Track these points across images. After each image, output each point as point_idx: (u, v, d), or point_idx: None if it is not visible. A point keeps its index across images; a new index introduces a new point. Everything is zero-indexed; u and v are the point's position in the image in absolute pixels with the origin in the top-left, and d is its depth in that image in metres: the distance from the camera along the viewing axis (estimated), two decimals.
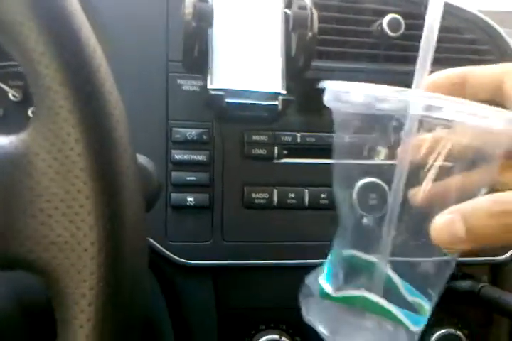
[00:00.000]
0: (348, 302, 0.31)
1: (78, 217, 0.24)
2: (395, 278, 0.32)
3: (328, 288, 0.33)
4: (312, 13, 0.44)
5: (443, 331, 0.53)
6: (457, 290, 0.52)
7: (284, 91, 0.42)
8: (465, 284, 0.52)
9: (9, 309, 0.35)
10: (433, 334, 0.52)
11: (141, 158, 0.32)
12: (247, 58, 0.44)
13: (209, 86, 0.42)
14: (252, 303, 0.50)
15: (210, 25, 0.43)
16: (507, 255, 0.52)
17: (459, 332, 0.53)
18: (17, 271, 0.25)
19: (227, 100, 0.41)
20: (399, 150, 0.30)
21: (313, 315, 0.34)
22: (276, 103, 0.42)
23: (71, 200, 0.24)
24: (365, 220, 0.37)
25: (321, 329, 0.32)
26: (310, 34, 0.43)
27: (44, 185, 0.24)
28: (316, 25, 0.42)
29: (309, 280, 0.36)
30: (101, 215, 0.24)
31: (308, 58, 0.43)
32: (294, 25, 0.43)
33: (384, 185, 0.50)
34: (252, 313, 0.50)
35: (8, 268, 0.25)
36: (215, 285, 0.49)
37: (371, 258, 0.33)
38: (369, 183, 0.50)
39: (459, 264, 0.52)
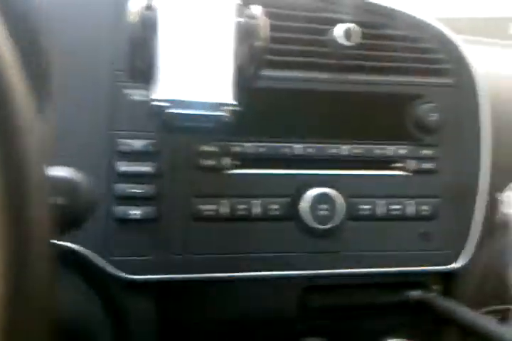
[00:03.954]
0: None
1: None
2: None
3: None
4: (263, 22, 0.43)
5: (393, 340, 0.53)
6: (408, 301, 0.52)
7: (234, 102, 0.41)
8: (415, 293, 0.52)
9: None
10: None
11: (70, 173, 0.30)
12: (196, 68, 0.42)
13: (152, 96, 0.41)
14: (194, 317, 0.49)
15: (155, 33, 0.42)
16: (457, 264, 0.53)
17: None
18: None
19: (169, 111, 0.40)
20: None
21: None
22: (223, 113, 0.41)
23: None
24: None
25: None
26: (259, 43, 0.42)
27: None
28: (266, 34, 0.41)
29: None
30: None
31: (257, 68, 0.42)
32: (242, 35, 0.42)
33: (335, 194, 0.49)
34: (195, 327, 0.49)
35: None
36: (161, 300, 0.48)
37: None
38: (320, 194, 0.50)
39: (411, 273, 0.53)
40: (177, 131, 0.45)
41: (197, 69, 0.42)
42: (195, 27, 0.43)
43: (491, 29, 1.15)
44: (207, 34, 0.43)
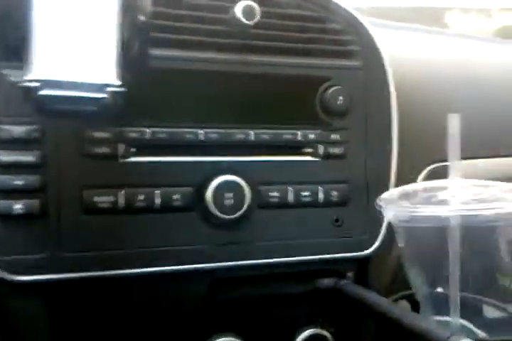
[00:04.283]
0: None
1: None
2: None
3: None
4: None
5: (308, 331, 0.51)
6: (320, 288, 0.51)
7: (117, 82, 0.38)
8: (328, 282, 0.51)
9: None
10: (298, 335, 0.51)
11: None
12: (75, 46, 0.38)
13: (25, 76, 0.37)
14: (99, 317, 0.45)
15: (30, 8, 0.37)
16: (370, 250, 0.52)
17: (324, 332, 0.52)
18: None
19: (43, 92, 0.36)
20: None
21: None
22: (104, 95, 0.37)
23: None
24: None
25: None
26: (142, 18, 0.38)
27: None
28: (148, 8, 0.38)
29: None
30: None
31: (143, 45, 0.39)
32: (125, 10, 0.38)
33: (241, 182, 0.47)
34: (99, 327, 0.46)
35: None
36: (52, 302, 0.44)
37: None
38: (225, 182, 0.48)
39: (324, 261, 0.51)
40: (56, 116, 0.41)
41: (76, 47, 0.38)
42: (75, 2, 0.39)
43: (428, 18, 1.18)
44: (87, 10, 0.39)
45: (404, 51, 0.63)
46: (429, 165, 0.60)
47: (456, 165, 0.43)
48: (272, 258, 0.48)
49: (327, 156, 0.51)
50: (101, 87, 0.37)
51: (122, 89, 0.37)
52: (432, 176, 0.61)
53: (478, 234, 0.43)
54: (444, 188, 0.46)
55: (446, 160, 0.64)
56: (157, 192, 0.45)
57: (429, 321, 0.43)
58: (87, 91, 0.37)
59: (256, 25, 0.47)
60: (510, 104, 0.68)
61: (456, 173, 0.43)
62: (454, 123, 0.43)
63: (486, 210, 0.40)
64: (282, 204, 0.49)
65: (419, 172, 0.60)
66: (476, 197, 0.44)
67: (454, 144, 0.43)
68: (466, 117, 0.66)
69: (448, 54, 0.71)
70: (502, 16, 1.25)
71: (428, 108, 0.60)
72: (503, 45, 0.88)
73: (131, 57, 0.39)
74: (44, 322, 0.43)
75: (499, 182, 0.47)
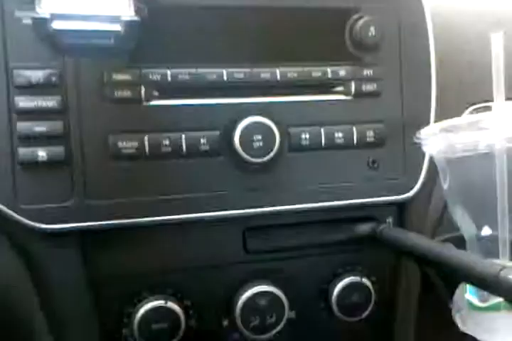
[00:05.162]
0: (495, 308, 0.39)
1: None
2: None
3: (476, 301, 0.41)
4: None
5: (347, 280, 0.49)
6: (358, 235, 0.48)
7: (131, 14, 0.35)
8: (366, 227, 0.48)
9: None
10: (336, 284, 0.49)
11: None
12: None
13: (37, 10, 0.35)
14: (131, 269, 0.44)
15: None
16: (410, 193, 0.49)
17: (365, 280, 0.49)
18: None
19: (54, 26, 0.34)
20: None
21: (471, 327, 0.42)
22: (118, 28, 0.35)
23: None
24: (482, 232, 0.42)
25: (483, 338, 0.40)
26: None
27: None
28: None
29: (455, 297, 0.44)
30: None
31: None
32: None
33: (270, 123, 0.45)
34: (133, 280, 0.45)
35: None
36: (84, 252, 0.43)
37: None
38: (253, 124, 0.45)
39: (361, 206, 0.49)
40: (74, 57, 0.39)
41: None
42: None
43: None
44: None
45: None
46: (471, 105, 0.57)
47: (501, 86, 0.40)
48: (305, 203, 0.46)
49: (360, 94, 0.47)
50: (114, 19, 0.35)
51: (136, 19, 0.35)
52: None
53: None
54: (487, 119, 0.42)
55: (488, 101, 0.60)
56: (183, 136, 0.43)
57: (476, 257, 0.40)
58: (100, 22, 0.35)
59: None
60: None
61: (501, 96, 0.40)
62: (497, 43, 0.39)
63: None
64: (314, 147, 0.46)
65: (461, 113, 0.57)
66: None
67: (498, 65, 0.39)
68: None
69: None
70: None
71: (470, 46, 0.55)
72: None
73: None
74: (81, 271, 0.43)
75: None
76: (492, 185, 0.40)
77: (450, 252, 0.41)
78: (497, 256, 0.41)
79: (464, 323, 0.43)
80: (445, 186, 0.43)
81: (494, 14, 0.63)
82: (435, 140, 0.41)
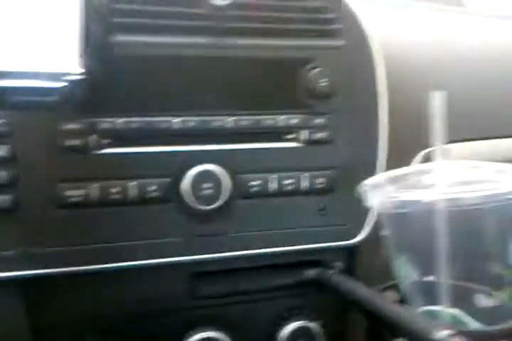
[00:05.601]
0: None
1: None
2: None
3: None
4: None
5: (294, 324, 0.50)
6: (305, 280, 0.49)
7: (78, 71, 0.36)
8: (313, 272, 0.49)
9: None
10: (283, 328, 0.50)
11: None
12: (35, 34, 0.37)
13: None
14: (75, 316, 0.45)
15: None
16: (357, 239, 0.50)
17: (312, 324, 0.50)
18: None
19: None
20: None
21: None
22: (64, 84, 0.35)
23: None
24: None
25: None
26: (105, 1, 0.37)
27: None
28: None
29: None
30: None
31: (107, 31, 0.37)
32: None
33: (220, 171, 0.46)
34: (77, 326, 0.45)
35: None
36: (27, 300, 0.43)
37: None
38: (203, 172, 0.46)
39: (309, 251, 0.50)
40: (22, 108, 0.39)
41: (35, 35, 0.36)
42: None
43: None
44: None
45: (393, 29, 0.60)
46: (422, 149, 0.58)
47: (440, 147, 0.41)
48: (253, 249, 0.47)
49: (311, 142, 0.48)
50: (60, 76, 0.36)
51: (83, 77, 0.35)
52: (427, 161, 0.58)
53: (466, 218, 0.41)
54: (431, 172, 0.44)
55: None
56: (132, 184, 0.43)
57: (414, 314, 0.41)
58: (46, 80, 0.36)
59: (230, 6, 0.45)
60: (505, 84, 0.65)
61: (441, 156, 0.41)
62: (436, 103, 0.41)
63: (472, 192, 0.38)
64: (264, 193, 0.47)
65: (412, 158, 0.58)
66: (464, 179, 0.42)
67: (436, 126, 0.41)
68: (460, 98, 0.63)
69: (442, 32, 0.68)
70: None
71: (419, 89, 0.57)
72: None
73: (97, 44, 0.37)
74: (24, 319, 0.43)
75: (490, 163, 0.44)
76: (432, 236, 0.42)
77: (390, 306, 0.42)
78: (438, 303, 0.43)
79: None
80: (385, 234, 0.44)
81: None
82: (376, 193, 0.42)
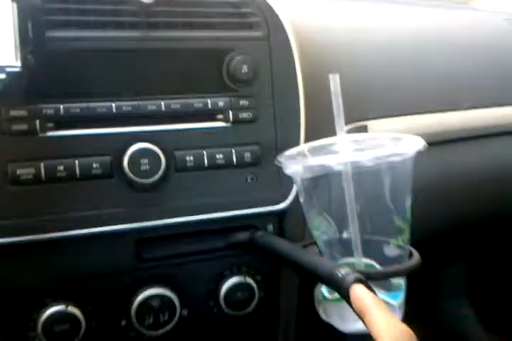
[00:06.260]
0: (340, 299, 0.43)
1: None
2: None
3: (327, 294, 0.50)
4: None
5: (233, 279, 0.57)
6: (238, 241, 0.56)
7: (16, 63, 0.41)
8: (244, 234, 0.56)
9: None
10: (223, 284, 0.57)
11: None
12: None
13: None
14: (34, 280, 0.50)
15: None
16: (283, 204, 0.57)
17: (249, 279, 0.57)
18: None
19: None
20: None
21: (328, 316, 0.50)
22: (2, 77, 0.41)
23: None
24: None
25: (336, 324, 0.49)
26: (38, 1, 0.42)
27: None
28: None
29: (316, 291, 0.51)
30: None
31: (40, 27, 0.43)
32: None
33: (156, 149, 0.52)
34: (36, 291, 0.50)
35: None
36: None
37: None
38: (140, 149, 0.52)
39: (242, 216, 0.56)
40: None
41: None
42: None
43: None
44: None
45: (309, 17, 0.67)
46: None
47: (341, 122, 0.48)
48: (190, 216, 0.53)
49: (237, 121, 0.55)
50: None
51: (20, 69, 0.41)
52: None
53: (367, 179, 0.48)
54: (337, 143, 0.51)
55: (361, 120, 0.69)
56: (76, 162, 0.49)
57: (321, 259, 0.48)
58: None
59: (156, 3, 0.51)
60: (417, 67, 0.73)
61: (342, 130, 0.48)
62: (335, 83, 0.48)
63: (366, 156, 0.45)
64: (198, 167, 0.53)
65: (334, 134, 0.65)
66: (363, 147, 0.49)
67: (337, 103, 0.48)
68: (378, 79, 0.70)
69: (365, 20, 0.76)
70: None
71: (335, 71, 0.64)
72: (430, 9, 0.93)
73: (32, 40, 0.43)
74: None
75: (388, 133, 0.52)
76: (342, 198, 0.49)
77: (306, 256, 0.49)
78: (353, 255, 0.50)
79: (324, 313, 0.51)
80: (301, 199, 0.51)
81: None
82: (289, 162, 0.49)
